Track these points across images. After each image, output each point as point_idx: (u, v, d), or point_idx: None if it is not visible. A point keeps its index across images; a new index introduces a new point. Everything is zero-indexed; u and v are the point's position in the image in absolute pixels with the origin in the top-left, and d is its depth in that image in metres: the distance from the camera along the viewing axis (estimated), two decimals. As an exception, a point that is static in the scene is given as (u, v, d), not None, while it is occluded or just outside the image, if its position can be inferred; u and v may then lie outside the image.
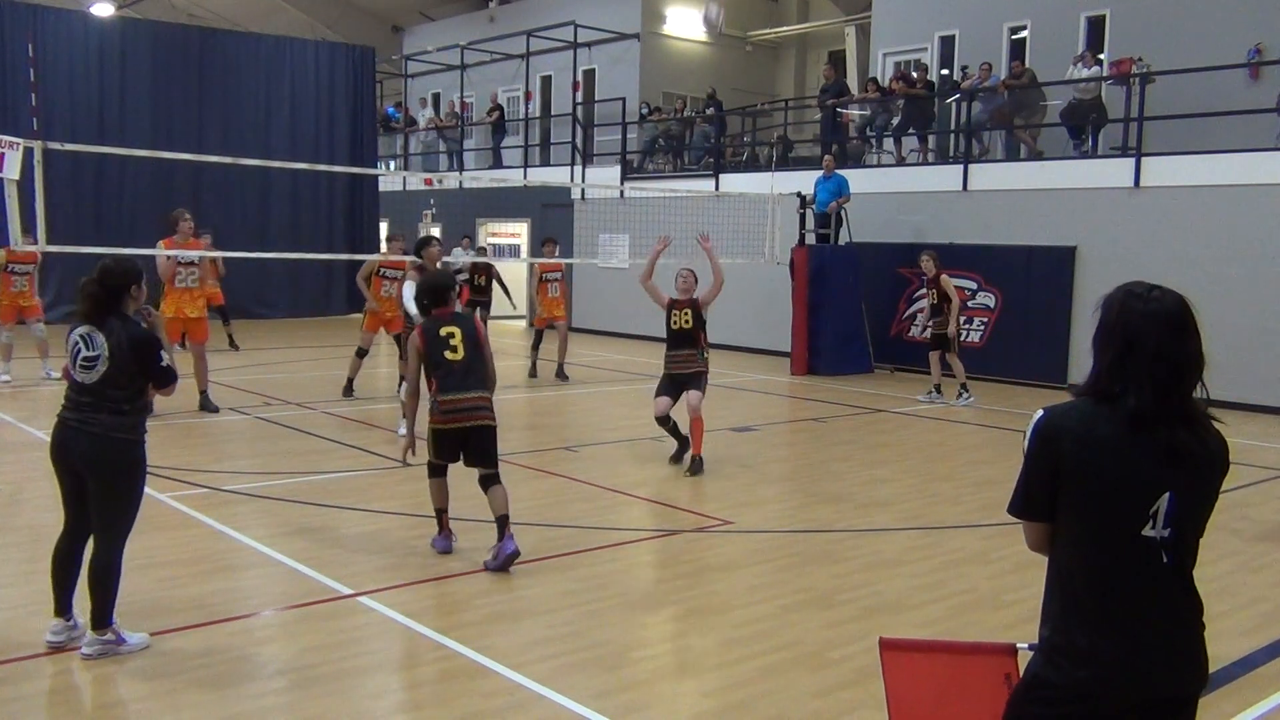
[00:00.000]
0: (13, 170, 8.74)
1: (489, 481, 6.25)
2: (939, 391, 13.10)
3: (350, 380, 12.20)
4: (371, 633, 5.14)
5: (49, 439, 4.79)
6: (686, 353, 8.90)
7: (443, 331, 6.24)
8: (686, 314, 8.88)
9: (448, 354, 6.19)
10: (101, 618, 4.68)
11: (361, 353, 12.13)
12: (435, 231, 23.86)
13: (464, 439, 6.20)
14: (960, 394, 12.94)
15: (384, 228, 24.58)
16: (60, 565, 4.80)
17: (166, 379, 4.80)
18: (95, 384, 4.63)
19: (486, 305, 16.71)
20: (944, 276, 12.77)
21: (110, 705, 4.38)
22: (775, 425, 11.71)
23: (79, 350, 4.66)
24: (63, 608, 4.79)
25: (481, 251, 17.53)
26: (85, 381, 4.65)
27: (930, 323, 13.04)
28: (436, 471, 6.39)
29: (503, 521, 6.13)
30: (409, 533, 6.85)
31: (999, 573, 6.32)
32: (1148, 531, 2.37)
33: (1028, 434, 2.46)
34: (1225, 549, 6.87)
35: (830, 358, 15.72)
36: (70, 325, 4.83)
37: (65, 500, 4.80)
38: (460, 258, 18.83)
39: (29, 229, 10.00)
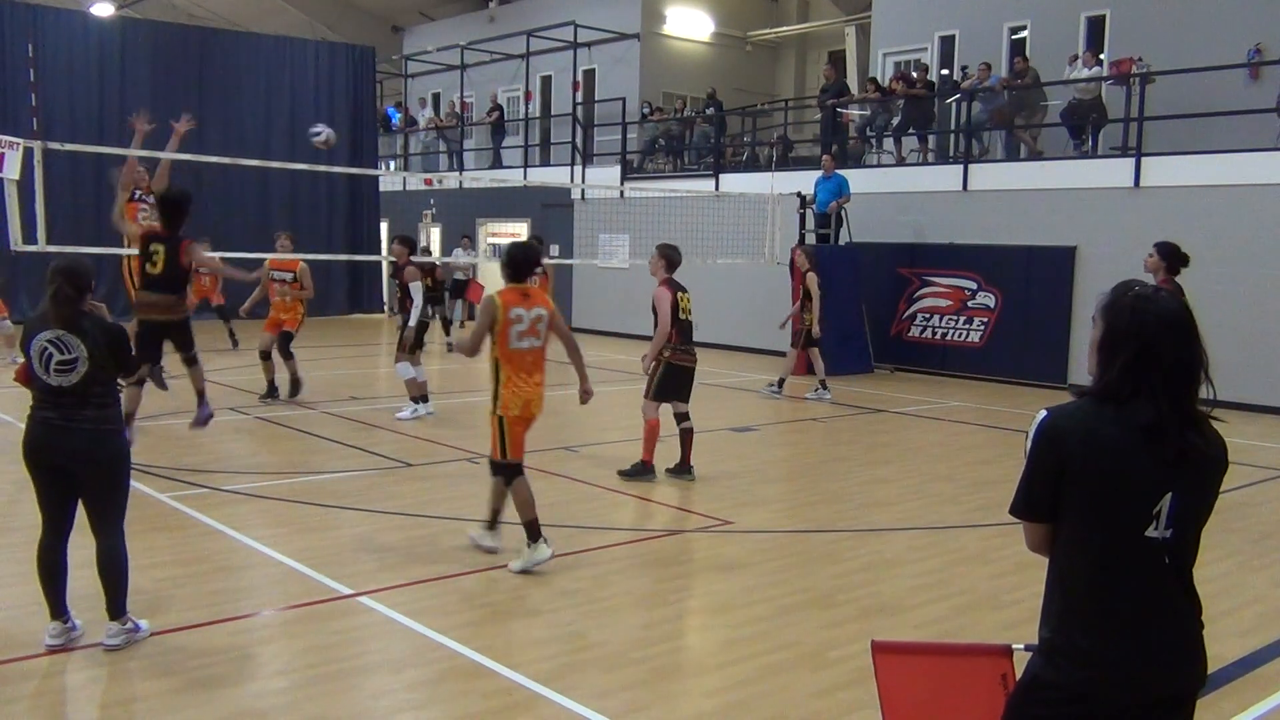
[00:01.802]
0: (13, 170, 8.71)
1: (190, 363, 8.27)
2: (824, 387, 13.18)
3: (270, 381, 11.68)
4: (371, 633, 5.14)
5: (23, 439, 4.69)
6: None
7: (151, 247, 8.03)
8: None
9: (149, 267, 7.98)
10: (120, 606, 4.72)
11: (263, 354, 11.60)
12: (435, 232, 23.93)
13: (164, 333, 8.16)
14: (818, 389, 13.19)
15: (384, 228, 24.59)
16: (48, 569, 4.76)
17: (133, 367, 5.22)
18: (76, 384, 4.58)
19: (440, 301, 17.53)
20: (811, 275, 12.99)
21: (111, 705, 4.37)
22: (775, 425, 11.70)
23: (50, 356, 4.55)
24: (58, 610, 4.78)
25: (425, 251, 18.36)
26: (64, 385, 4.57)
27: (798, 318, 13.19)
28: (139, 382, 8.22)
29: (201, 393, 8.37)
30: (409, 533, 6.84)
31: (999, 573, 6.32)
32: (1151, 532, 2.36)
33: (1030, 434, 2.45)
34: (1225, 549, 6.87)
35: (830, 358, 15.69)
36: (29, 331, 4.65)
37: (46, 502, 4.74)
38: (460, 258, 18.88)
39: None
